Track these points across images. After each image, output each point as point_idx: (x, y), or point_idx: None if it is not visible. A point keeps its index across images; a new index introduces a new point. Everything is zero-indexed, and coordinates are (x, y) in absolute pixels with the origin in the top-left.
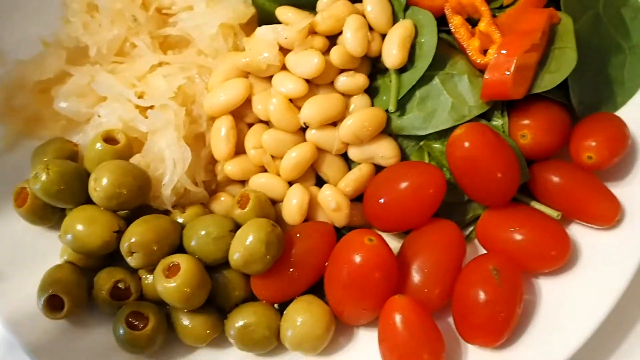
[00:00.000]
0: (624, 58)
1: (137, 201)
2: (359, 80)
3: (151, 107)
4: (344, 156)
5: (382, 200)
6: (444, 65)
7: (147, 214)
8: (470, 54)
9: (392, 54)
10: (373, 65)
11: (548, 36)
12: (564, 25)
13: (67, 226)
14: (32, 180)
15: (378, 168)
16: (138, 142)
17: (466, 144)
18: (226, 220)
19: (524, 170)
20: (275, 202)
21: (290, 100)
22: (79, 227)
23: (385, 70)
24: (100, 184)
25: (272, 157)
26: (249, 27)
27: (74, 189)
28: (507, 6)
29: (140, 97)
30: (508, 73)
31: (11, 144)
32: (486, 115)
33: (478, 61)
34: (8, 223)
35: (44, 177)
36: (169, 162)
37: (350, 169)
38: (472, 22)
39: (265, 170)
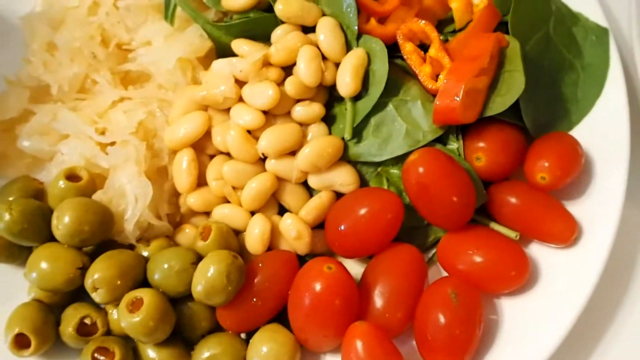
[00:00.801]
0: (576, 76)
1: (100, 237)
2: (315, 109)
3: (112, 143)
4: (305, 184)
5: (342, 227)
6: (397, 92)
7: (112, 248)
8: (422, 79)
9: (346, 83)
10: (330, 94)
11: (497, 60)
12: (512, 49)
13: (31, 264)
14: None
15: (339, 195)
16: (101, 178)
17: (420, 170)
18: (188, 252)
19: (480, 192)
20: (238, 232)
21: (249, 131)
22: (43, 264)
23: (341, 99)
24: (62, 221)
25: (234, 187)
26: (207, 60)
27: (38, 227)
28: (460, 29)
29: (102, 133)
30: (457, 98)
31: None
32: (441, 140)
33: (430, 87)
34: None
35: (7, 217)
36: (130, 198)
37: (311, 196)
38: (425, 47)
39: (228, 201)
